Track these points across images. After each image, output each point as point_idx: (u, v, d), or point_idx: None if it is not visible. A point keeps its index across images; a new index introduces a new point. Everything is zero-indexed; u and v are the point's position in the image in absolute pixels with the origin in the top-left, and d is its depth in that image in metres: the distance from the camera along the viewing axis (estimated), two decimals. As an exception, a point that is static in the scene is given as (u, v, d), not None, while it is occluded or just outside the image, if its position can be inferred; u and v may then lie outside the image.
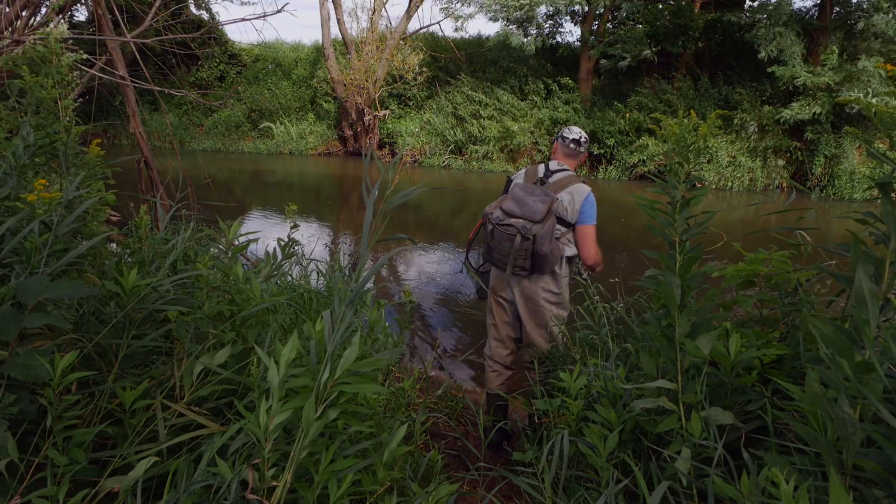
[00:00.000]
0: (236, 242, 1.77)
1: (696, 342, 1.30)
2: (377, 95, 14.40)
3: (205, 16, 16.83)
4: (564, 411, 1.71)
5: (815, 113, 10.91)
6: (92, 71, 4.15)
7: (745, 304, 1.63)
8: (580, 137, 2.51)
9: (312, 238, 6.62)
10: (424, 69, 14.93)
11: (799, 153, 11.77)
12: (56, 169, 1.72)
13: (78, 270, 1.44)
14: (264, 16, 4.70)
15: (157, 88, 3.93)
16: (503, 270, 2.39)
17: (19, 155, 1.55)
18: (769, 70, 11.33)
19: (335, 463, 1.11)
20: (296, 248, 1.98)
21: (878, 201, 1.06)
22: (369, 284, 4.26)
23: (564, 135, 2.53)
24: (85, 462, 1.08)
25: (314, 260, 3.40)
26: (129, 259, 1.77)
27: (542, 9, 12.99)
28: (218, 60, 17.56)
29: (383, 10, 15.45)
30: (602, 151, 13.02)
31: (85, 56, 4.32)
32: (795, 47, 10.94)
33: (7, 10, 4.39)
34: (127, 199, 2.87)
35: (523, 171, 2.56)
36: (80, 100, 7.61)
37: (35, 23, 5.32)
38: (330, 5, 14.68)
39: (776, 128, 11.81)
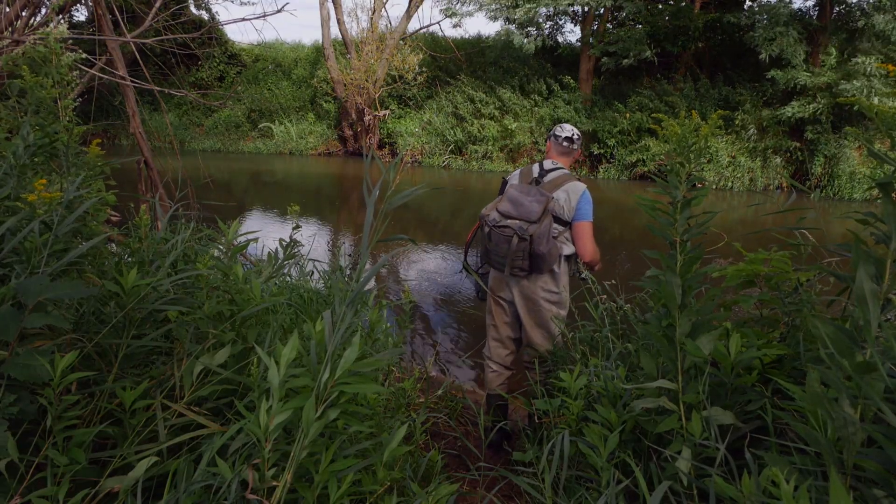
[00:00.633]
0: (236, 242, 1.77)
1: (696, 342, 1.30)
2: (377, 95, 14.40)
3: (205, 16, 16.83)
4: (564, 411, 1.71)
5: (815, 111, 10.89)
6: (92, 71, 4.15)
7: (746, 304, 1.63)
8: (572, 135, 2.51)
9: (313, 238, 6.61)
10: (424, 69, 14.93)
11: (799, 153, 11.77)
12: (56, 169, 1.72)
13: (78, 270, 1.44)
14: (264, 16, 4.71)
15: (157, 88, 3.93)
16: (501, 271, 2.39)
17: (19, 155, 1.55)
18: (768, 75, 11.32)
19: (335, 463, 1.11)
20: (297, 248, 1.98)
21: (879, 201, 1.06)
22: (370, 285, 4.26)
23: (556, 133, 2.53)
24: (85, 462, 1.08)
25: (314, 260, 3.40)
26: (129, 259, 1.76)
27: (543, 9, 12.97)
28: (218, 60, 17.55)
29: (383, 10, 15.45)
30: (602, 151, 13.02)
31: (85, 56, 4.32)
32: (796, 47, 10.93)
33: (7, 10, 4.39)
34: (127, 199, 2.88)
35: (518, 171, 2.56)
36: (80, 100, 7.61)
37: (35, 23, 5.32)
38: (330, 5, 14.70)
39: (776, 128, 11.81)
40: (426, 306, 4.90)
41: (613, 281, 2.64)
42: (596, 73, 14.39)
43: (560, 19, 15.22)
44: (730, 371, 1.36)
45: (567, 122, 13.35)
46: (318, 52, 17.48)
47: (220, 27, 16.79)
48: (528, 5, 12.53)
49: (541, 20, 14.79)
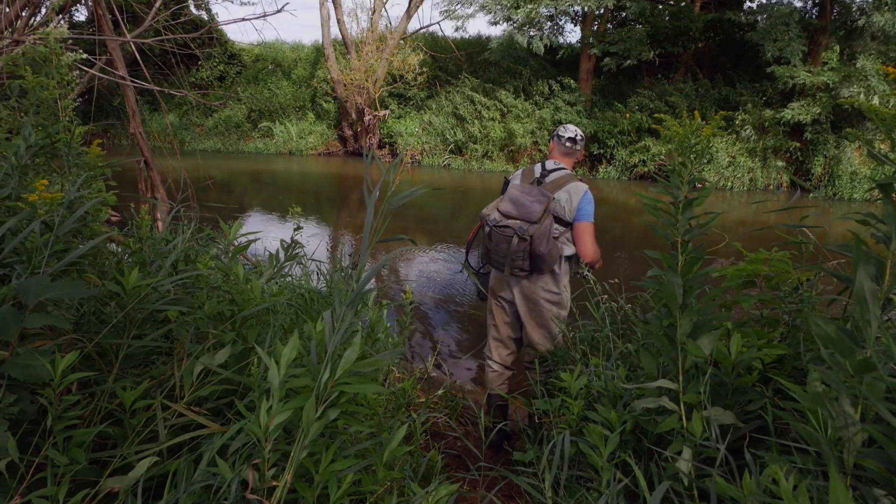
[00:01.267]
0: (236, 243, 1.77)
1: (697, 342, 1.30)
2: (377, 95, 14.40)
3: (205, 16, 16.83)
4: (565, 411, 1.71)
5: (815, 113, 10.89)
6: (92, 71, 4.15)
7: (746, 304, 1.63)
8: (576, 135, 2.51)
9: (313, 238, 6.61)
10: (424, 69, 14.93)
11: (799, 153, 11.76)
12: (57, 169, 1.72)
13: (78, 271, 1.44)
14: (264, 16, 4.70)
15: (157, 88, 3.92)
16: (502, 272, 2.39)
17: (21, 155, 1.55)
18: (769, 70, 11.31)
19: (335, 463, 1.11)
20: (298, 249, 1.98)
21: (879, 202, 1.06)
22: (370, 285, 4.26)
23: (560, 133, 2.53)
24: (85, 462, 1.08)
25: (315, 260, 3.40)
26: (130, 259, 1.77)
27: (543, 9, 12.96)
28: (218, 60, 17.54)
29: (383, 10, 15.45)
30: (602, 151, 13.02)
31: (85, 56, 4.32)
32: (796, 46, 10.92)
33: (7, 10, 4.39)
34: (127, 200, 2.87)
35: (520, 171, 2.56)
36: (80, 100, 7.61)
37: (35, 23, 5.32)
38: (330, 5, 14.69)
39: (776, 128, 11.80)
40: (426, 306, 4.90)
41: (614, 280, 2.64)
42: (596, 73, 14.39)
43: (560, 19, 15.21)
44: (730, 371, 1.36)
45: (568, 122, 13.34)
46: (318, 52, 17.48)
47: (220, 27, 16.78)
48: (529, 6, 12.53)
49: (541, 20, 14.77)
